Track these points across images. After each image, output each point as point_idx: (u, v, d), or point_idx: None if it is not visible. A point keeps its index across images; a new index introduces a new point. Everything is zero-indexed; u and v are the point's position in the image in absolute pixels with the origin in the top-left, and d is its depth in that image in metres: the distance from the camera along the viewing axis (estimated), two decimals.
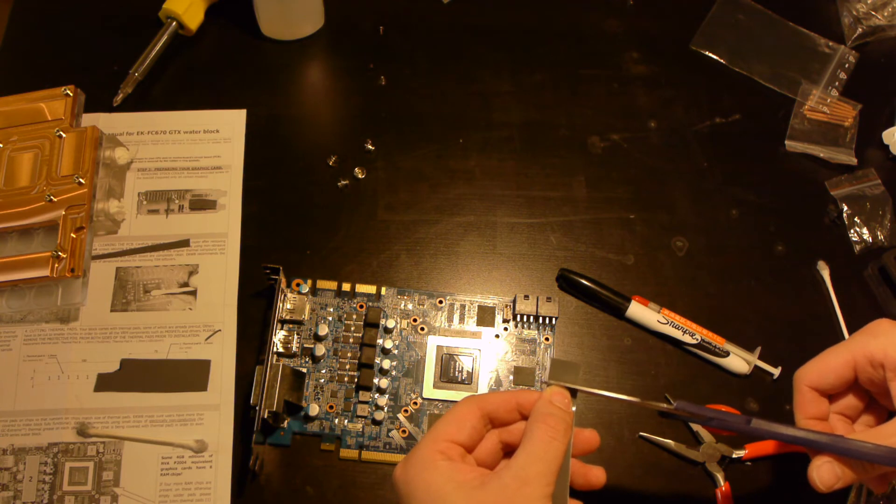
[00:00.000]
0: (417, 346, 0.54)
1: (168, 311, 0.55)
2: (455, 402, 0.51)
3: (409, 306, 0.56)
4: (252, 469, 0.49)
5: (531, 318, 0.55)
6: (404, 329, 0.55)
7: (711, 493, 0.52)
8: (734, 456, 0.52)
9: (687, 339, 0.54)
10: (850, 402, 0.43)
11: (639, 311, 0.55)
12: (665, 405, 0.41)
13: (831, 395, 0.43)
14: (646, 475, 0.52)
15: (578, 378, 0.40)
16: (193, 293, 0.56)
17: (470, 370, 0.54)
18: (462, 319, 0.55)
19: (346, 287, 0.56)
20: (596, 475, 0.40)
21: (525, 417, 0.38)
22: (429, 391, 0.53)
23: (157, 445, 0.51)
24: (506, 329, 0.55)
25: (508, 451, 0.39)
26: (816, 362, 0.42)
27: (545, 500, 0.34)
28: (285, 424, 0.52)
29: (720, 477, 0.51)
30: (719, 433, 0.52)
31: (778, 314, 0.57)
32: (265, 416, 0.48)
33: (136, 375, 0.53)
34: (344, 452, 0.52)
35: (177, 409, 0.52)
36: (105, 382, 0.53)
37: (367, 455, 0.52)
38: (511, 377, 0.54)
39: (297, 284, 0.55)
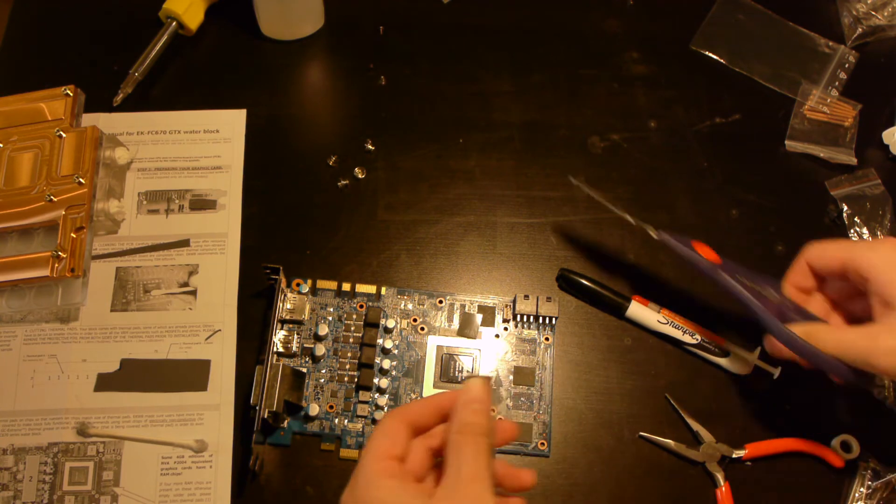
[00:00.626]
0: (417, 346, 0.54)
1: (168, 311, 0.55)
2: None
3: (409, 306, 0.56)
4: (252, 469, 0.49)
5: (531, 317, 0.55)
6: (404, 329, 0.55)
7: (711, 493, 0.52)
8: (734, 456, 0.52)
9: (687, 338, 0.54)
10: (841, 289, 0.48)
11: (639, 310, 0.55)
12: (653, 231, 0.47)
13: (826, 279, 0.48)
14: (646, 475, 0.52)
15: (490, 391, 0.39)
16: (193, 293, 0.56)
17: (470, 370, 0.54)
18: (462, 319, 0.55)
19: (346, 287, 0.56)
20: (525, 477, 0.40)
21: (445, 419, 0.38)
22: (429, 391, 0.53)
23: (157, 445, 0.51)
24: (506, 329, 0.55)
25: (437, 454, 0.39)
26: (822, 245, 0.47)
27: (490, 495, 0.35)
28: (285, 424, 0.52)
29: (720, 477, 0.51)
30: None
31: None
32: (265, 416, 0.48)
33: (136, 375, 0.53)
34: (344, 452, 0.52)
35: (177, 409, 0.52)
36: (105, 382, 0.53)
37: None
38: (511, 377, 0.54)
39: (297, 284, 0.55)
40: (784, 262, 0.58)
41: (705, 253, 0.50)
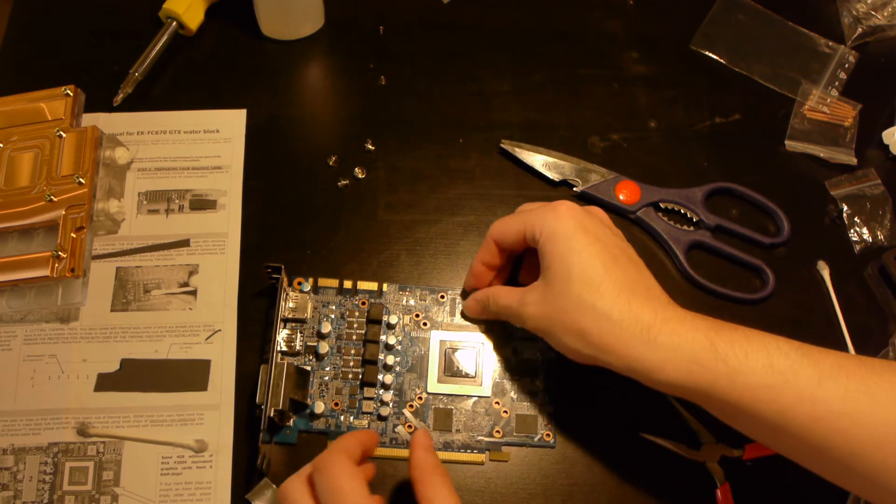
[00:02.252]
0: (420, 342, 0.55)
1: (168, 311, 0.55)
2: (460, 395, 0.53)
3: (411, 302, 0.56)
4: (260, 468, 0.49)
5: None
6: (407, 325, 0.55)
7: (711, 492, 0.52)
8: (734, 456, 0.52)
9: None
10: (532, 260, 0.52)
11: None
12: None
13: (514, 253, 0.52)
14: (646, 475, 0.52)
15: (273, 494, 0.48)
16: (193, 293, 0.56)
17: (474, 364, 0.54)
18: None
19: (348, 284, 0.56)
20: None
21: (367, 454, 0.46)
22: (433, 386, 0.53)
23: (157, 445, 0.51)
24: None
25: None
26: (502, 222, 0.50)
27: None
28: (291, 423, 0.52)
29: (720, 477, 0.51)
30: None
31: (778, 314, 0.57)
32: (272, 415, 0.48)
33: (136, 375, 0.53)
34: None
35: (177, 409, 0.52)
36: (105, 382, 0.53)
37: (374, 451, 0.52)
38: (515, 369, 0.54)
39: (299, 283, 0.55)
40: (784, 262, 0.58)
41: None
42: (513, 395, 0.53)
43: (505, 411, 0.53)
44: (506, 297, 0.50)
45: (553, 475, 0.52)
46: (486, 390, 0.53)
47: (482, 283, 0.53)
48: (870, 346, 0.56)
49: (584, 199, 0.60)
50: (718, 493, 0.51)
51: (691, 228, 0.58)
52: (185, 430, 0.52)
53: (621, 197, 0.59)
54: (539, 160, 0.60)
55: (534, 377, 0.54)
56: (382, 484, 0.51)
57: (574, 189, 0.60)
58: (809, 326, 0.56)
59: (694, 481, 0.52)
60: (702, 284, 0.57)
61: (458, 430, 0.52)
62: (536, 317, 0.47)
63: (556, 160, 0.60)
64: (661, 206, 0.59)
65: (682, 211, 0.59)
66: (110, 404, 0.52)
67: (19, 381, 0.53)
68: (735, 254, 0.58)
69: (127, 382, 0.53)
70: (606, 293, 0.43)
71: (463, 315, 0.55)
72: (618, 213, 0.59)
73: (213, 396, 0.53)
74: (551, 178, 0.60)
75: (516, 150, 0.60)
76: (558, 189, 0.60)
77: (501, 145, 0.61)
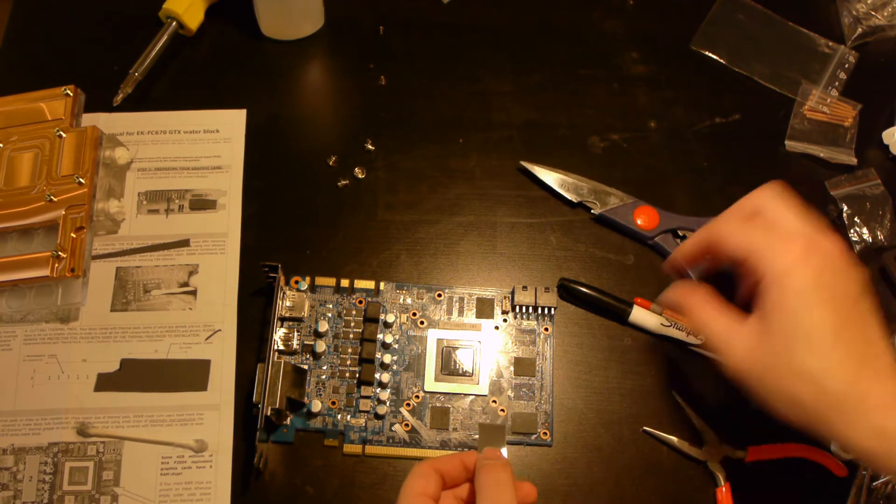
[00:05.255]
0: (417, 340, 0.55)
1: (168, 311, 0.55)
2: (457, 394, 0.53)
3: (408, 300, 0.56)
4: (257, 467, 0.49)
5: (530, 308, 0.55)
6: (404, 323, 0.55)
7: (712, 492, 0.52)
8: (737, 457, 0.52)
9: (691, 339, 0.54)
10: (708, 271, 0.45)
11: (641, 315, 0.55)
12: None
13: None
14: (646, 474, 0.52)
15: (504, 439, 0.44)
16: (193, 293, 0.56)
17: (471, 362, 0.54)
18: (461, 312, 0.55)
19: (345, 283, 0.56)
20: (527, 492, 0.43)
21: (470, 477, 0.42)
22: (430, 384, 0.53)
23: (157, 445, 0.51)
24: (505, 320, 0.55)
25: None
26: (727, 224, 0.43)
27: None
28: (288, 422, 0.52)
29: (721, 477, 0.51)
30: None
31: None
32: (268, 414, 0.48)
33: (136, 375, 0.53)
34: (347, 448, 0.52)
35: (177, 409, 0.52)
36: (105, 382, 0.53)
37: (371, 450, 0.52)
38: (511, 368, 0.54)
39: (296, 282, 0.55)
40: None
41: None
42: (510, 393, 0.53)
43: (502, 409, 0.53)
44: (713, 323, 0.42)
45: (552, 475, 0.52)
46: (483, 389, 0.53)
47: (684, 268, 0.46)
48: None
49: (602, 222, 0.59)
50: (719, 492, 0.51)
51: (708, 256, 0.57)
52: (185, 430, 0.52)
53: (639, 222, 0.58)
54: (557, 180, 0.60)
55: (531, 375, 0.54)
56: (382, 483, 0.51)
57: (592, 211, 0.59)
58: None
59: (694, 480, 0.52)
60: None
61: (455, 429, 0.52)
62: (743, 368, 0.40)
63: (574, 181, 0.59)
64: (680, 233, 0.58)
65: None
66: (110, 404, 0.52)
67: (19, 381, 0.53)
68: None
69: (127, 382, 0.53)
70: (832, 363, 0.38)
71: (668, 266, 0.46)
72: (635, 239, 0.59)
73: (213, 396, 0.53)
74: (569, 198, 0.59)
75: (535, 168, 0.60)
76: (576, 210, 0.60)
77: (521, 163, 0.60)
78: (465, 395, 0.53)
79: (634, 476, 0.52)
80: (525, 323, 0.55)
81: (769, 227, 0.41)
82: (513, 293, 0.55)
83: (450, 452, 0.45)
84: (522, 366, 0.54)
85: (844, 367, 0.38)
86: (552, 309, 0.55)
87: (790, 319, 0.38)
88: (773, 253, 0.39)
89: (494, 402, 0.53)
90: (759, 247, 0.40)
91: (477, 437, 0.52)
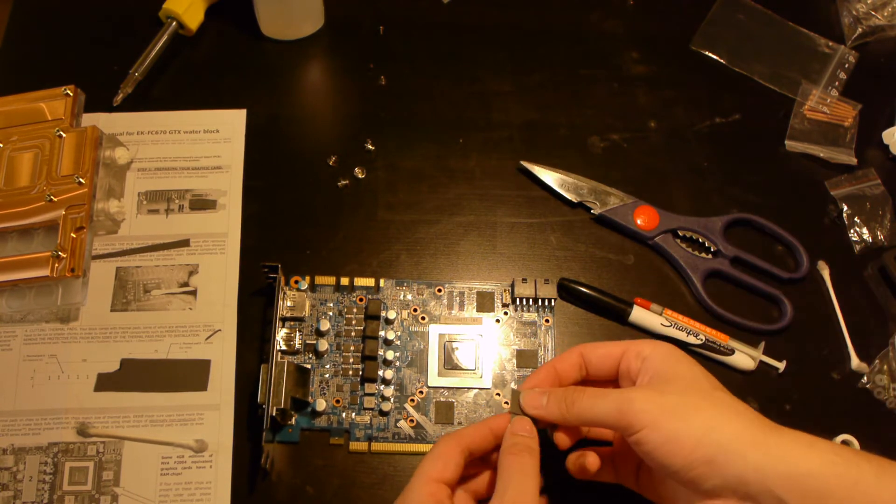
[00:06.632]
0: (419, 336, 0.55)
1: (168, 311, 0.55)
2: (461, 388, 0.53)
3: (409, 296, 0.56)
4: (264, 467, 0.49)
5: (530, 301, 0.55)
6: (405, 319, 0.55)
7: None
8: None
9: (692, 339, 0.54)
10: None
11: (642, 315, 0.55)
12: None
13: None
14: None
15: None
16: (193, 293, 0.56)
17: (473, 356, 0.54)
18: (462, 307, 0.56)
19: (345, 281, 0.56)
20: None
21: (499, 444, 0.42)
22: (434, 379, 0.53)
23: (157, 445, 0.51)
24: (506, 313, 0.55)
25: (480, 498, 0.43)
26: (595, 344, 0.46)
27: None
28: (293, 421, 0.52)
29: None
30: None
31: (778, 314, 0.57)
32: (273, 414, 0.48)
33: (136, 375, 0.53)
34: (353, 445, 0.52)
35: (177, 409, 0.52)
36: (105, 382, 0.53)
37: (377, 446, 0.52)
38: (514, 360, 0.54)
39: (296, 282, 0.55)
40: (785, 263, 0.58)
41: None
42: (513, 385, 0.53)
43: (506, 402, 0.53)
44: (609, 394, 0.41)
45: (556, 467, 0.52)
46: (487, 382, 0.53)
47: (544, 384, 0.45)
48: (870, 346, 0.56)
49: (602, 222, 0.59)
50: None
51: (709, 257, 0.58)
52: (185, 430, 0.52)
53: (639, 222, 0.58)
54: (557, 180, 0.60)
55: (533, 367, 0.54)
56: (383, 483, 0.51)
57: (592, 212, 0.59)
58: (810, 326, 0.56)
59: None
60: (718, 313, 0.56)
61: (459, 423, 0.52)
62: (653, 412, 0.39)
63: (574, 181, 0.59)
64: (680, 233, 0.58)
65: (700, 240, 0.58)
66: (110, 404, 0.52)
67: (19, 381, 0.53)
68: (752, 283, 0.57)
69: (127, 382, 0.53)
70: (724, 398, 0.40)
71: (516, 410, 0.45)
72: (635, 239, 0.59)
73: (213, 396, 0.53)
74: (569, 198, 0.59)
75: (535, 168, 0.60)
76: (576, 210, 0.60)
77: (521, 163, 0.60)
78: (469, 388, 0.53)
79: None
80: (526, 315, 0.55)
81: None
82: (513, 286, 0.55)
83: (477, 422, 0.44)
84: (524, 358, 0.54)
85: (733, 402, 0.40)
86: (552, 301, 0.55)
87: (673, 368, 0.41)
88: (645, 343, 0.44)
89: (498, 394, 0.53)
90: (632, 344, 0.44)
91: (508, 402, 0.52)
